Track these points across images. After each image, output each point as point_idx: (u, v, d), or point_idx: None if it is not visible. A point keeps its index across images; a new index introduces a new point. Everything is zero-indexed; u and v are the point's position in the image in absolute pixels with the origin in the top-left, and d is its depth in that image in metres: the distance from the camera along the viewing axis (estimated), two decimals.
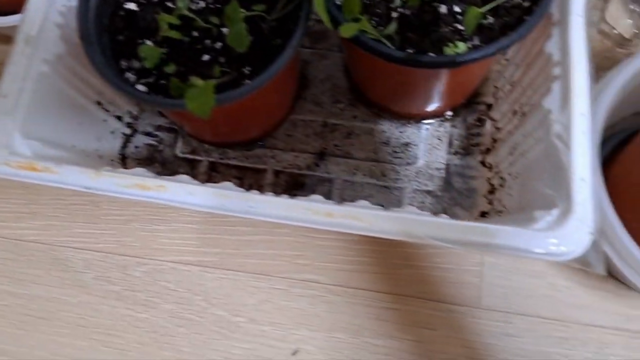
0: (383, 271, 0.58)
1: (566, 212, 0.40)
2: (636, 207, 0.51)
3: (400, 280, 0.58)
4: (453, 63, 0.45)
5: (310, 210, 0.41)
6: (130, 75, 0.50)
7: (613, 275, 0.55)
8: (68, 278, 0.60)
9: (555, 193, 0.42)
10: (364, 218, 0.41)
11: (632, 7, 0.64)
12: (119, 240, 0.61)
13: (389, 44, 0.47)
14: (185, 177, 0.45)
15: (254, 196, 0.42)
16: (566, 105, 0.43)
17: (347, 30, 0.45)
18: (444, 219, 0.41)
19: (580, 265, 0.52)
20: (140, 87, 0.49)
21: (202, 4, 0.53)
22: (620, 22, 0.64)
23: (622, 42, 0.64)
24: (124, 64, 0.51)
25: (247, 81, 0.48)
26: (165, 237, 0.61)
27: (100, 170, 0.43)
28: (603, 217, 0.49)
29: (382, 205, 0.61)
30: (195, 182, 0.45)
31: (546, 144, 0.44)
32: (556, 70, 0.45)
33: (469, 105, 0.63)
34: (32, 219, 0.63)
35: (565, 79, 0.44)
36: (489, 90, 0.62)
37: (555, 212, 0.41)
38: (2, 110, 0.45)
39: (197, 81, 0.46)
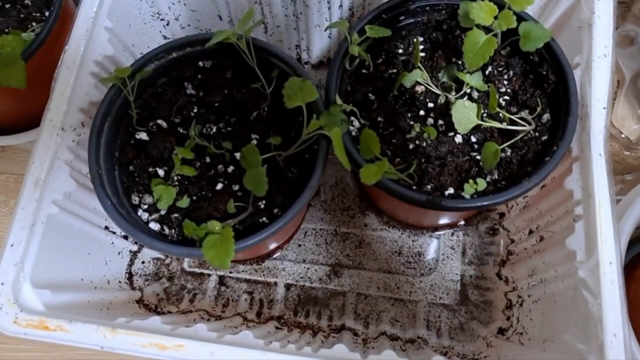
0: None
1: None
2: None
3: None
4: (475, 208, 0.44)
5: None
6: (142, 213, 0.49)
7: None
8: None
9: (585, 347, 0.41)
10: None
11: (639, 111, 0.64)
12: None
13: (408, 180, 0.47)
14: (202, 326, 0.44)
15: (281, 357, 0.41)
16: (593, 253, 0.42)
17: (368, 176, 0.44)
18: None
19: None
20: (153, 226, 0.48)
21: (214, 129, 0.52)
22: (627, 125, 0.65)
23: (630, 145, 0.64)
24: (135, 199, 0.49)
25: (264, 218, 0.47)
26: None
27: (115, 327, 0.42)
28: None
29: (398, 321, 0.60)
30: (213, 333, 0.43)
31: (573, 289, 0.43)
32: (578, 210, 0.45)
33: (480, 213, 0.62)
34: None
35: (589, 222, 0.43)
36: None
37: None
38: (10, 261, 0.44)
39: (214, 225, 0.44)
